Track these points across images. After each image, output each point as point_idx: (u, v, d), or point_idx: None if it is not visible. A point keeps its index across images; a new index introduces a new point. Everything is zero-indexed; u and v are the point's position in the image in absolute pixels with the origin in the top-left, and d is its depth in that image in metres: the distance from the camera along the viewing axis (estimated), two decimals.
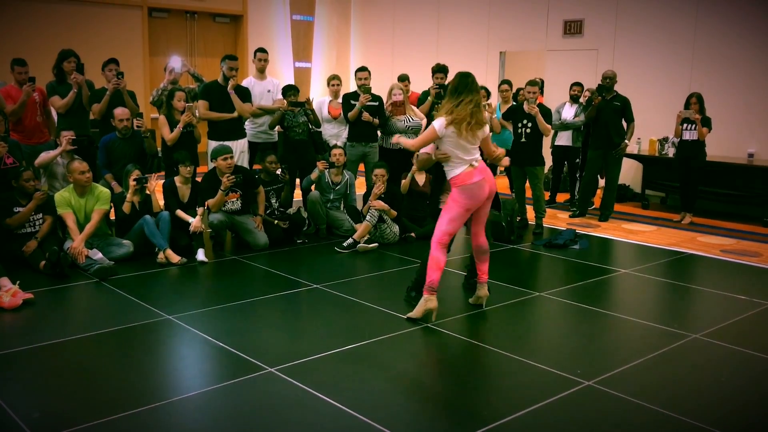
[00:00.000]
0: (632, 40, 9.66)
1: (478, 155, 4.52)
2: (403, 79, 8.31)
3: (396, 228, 6.70)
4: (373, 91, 7.28)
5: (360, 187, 7.77)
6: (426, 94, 7.91)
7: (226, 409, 3.35)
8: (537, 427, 3.25)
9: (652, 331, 4.54)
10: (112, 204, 5.99)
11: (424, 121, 7.47)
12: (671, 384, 3.76)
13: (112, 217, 6.19)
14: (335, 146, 7.11)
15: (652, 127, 9.11)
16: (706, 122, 7.83)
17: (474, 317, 4.74)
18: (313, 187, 6.97)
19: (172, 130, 6.54)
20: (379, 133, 7.47)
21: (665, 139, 8.96)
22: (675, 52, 9.26)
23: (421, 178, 7.01)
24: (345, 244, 6.39)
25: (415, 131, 7.40)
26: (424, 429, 3.22)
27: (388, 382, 3.77)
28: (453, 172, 4.48)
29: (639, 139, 9.10)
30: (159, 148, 7.10)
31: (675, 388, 3.71)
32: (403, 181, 6.97)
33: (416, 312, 4.55)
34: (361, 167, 7.62)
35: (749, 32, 8.59)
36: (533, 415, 3.33)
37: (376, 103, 7.28)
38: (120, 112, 6.40)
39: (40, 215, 5.74)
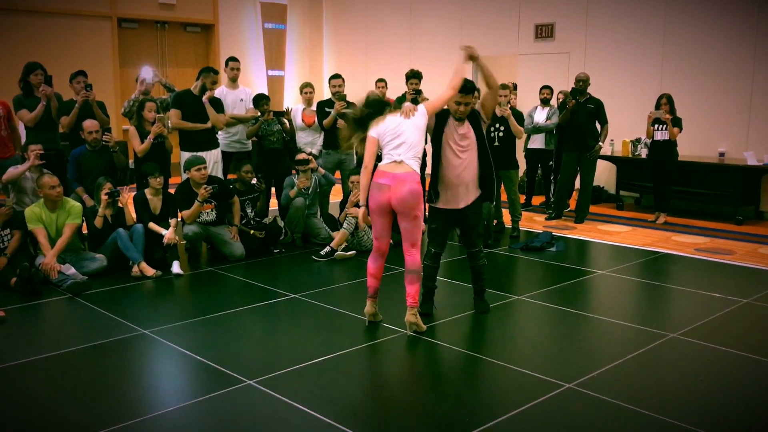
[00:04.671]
0: (603, 42, 9.76)
1: (404, 154, 4.27)
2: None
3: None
4: (347, 99, 7.27)
5: (336, 194, 7.74)
6: (400, 99, 7.89)
7: (205, 424, 3.29)
8: (519, 431, 3.23)
9: (630, 332, 4.56)
10: (83, 218, 5.89)
11: None
12: (651, 384, 3.77)
13: (85, 231, 6.09)
14: (300, 152, 7.02)
15: (624, 128, 9.20)
16: (677, 122, 7.92)
17: (453, 323, 4.73)
18: (292, 192, 6.87)
19: (143, 142, 6.46)
20: None
21: (638, 140, 9.05)
22: (645, 54, 9.37)
23: None
24: (322, 253, 6.35)
25: None
26: None
27: (369, 392, 3.73)
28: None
29: (612, 140, 9.18)
30: (131, 160, 7.00)
31: (655, 388, 3.72)
32: None
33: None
34: (338, 174, 7.59)
35: (717, 33, 8.72)
36: (514, 420, 3.32)
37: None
38: (89, 124, 6.31)
39: (8, 231, 5.63)
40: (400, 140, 4.30)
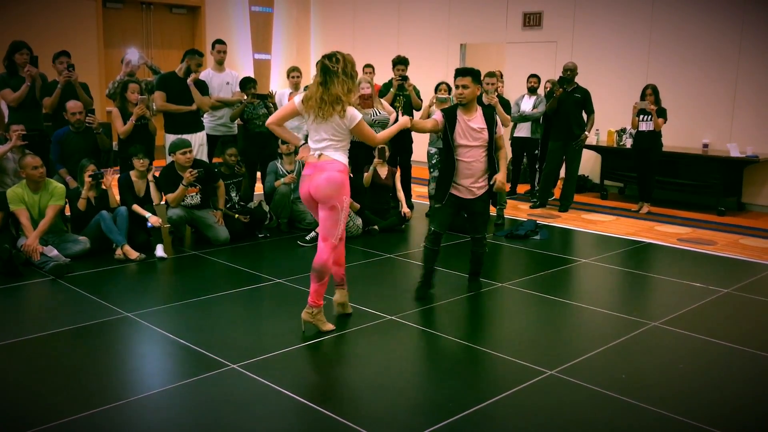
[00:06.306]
0: (590, 32, 9.77)
1: (326, 149, 4.06)
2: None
3: (359, 221, 6.67)
4: None
5: None
6: (387, 86, 7.88)
7: (188, 407, 3.29)
8: (501, 417, 3.27)
9: (612, 320, 4.61)
10: (67, 200, 5.84)
11: (393, 115, 7.42)
12: (632, 372, 3.81)
13: (68, 213, 6.04)
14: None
15: (609, 118, 9.24)
16: (662, 113, 7.97)
17: (437, 309, 4.75)
18: (278, 183, 6.84)
19: (126, 123, 6.40)
20: None
21: (623, 131, 9.10)
22: (632, 45, 9.39)
23: (383, 171, 6.99)
24: (308, 238, 6.34)
25: (382, 125, 7.35)
26: (388, 422, 3.20)
27: (352, 376, 3.75)
28: None
29: (597, 130, 9.22)
30: (114, 142, 6.93)
31: (636, 375, 3.76)
32: (365, 174, 6.94)
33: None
34: None
35: (703, 25, 8.76)
36: (497, 406, 3.35)
37: None
38: (72, 105, 6.24)
39: None
40: (321, 135, 4.07)
